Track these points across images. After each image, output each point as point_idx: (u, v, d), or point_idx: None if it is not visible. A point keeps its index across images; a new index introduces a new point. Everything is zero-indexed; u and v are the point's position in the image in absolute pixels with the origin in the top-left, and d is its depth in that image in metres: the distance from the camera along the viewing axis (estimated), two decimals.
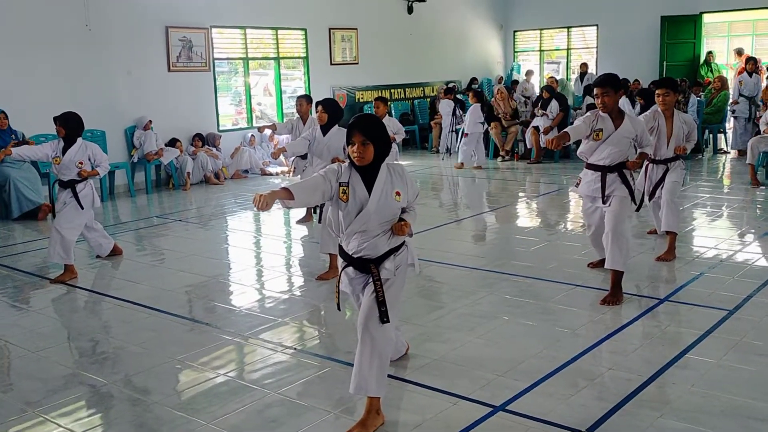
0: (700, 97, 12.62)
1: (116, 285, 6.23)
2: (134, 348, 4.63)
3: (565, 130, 5.27)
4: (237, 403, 3.78)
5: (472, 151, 12.22)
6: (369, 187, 3.35)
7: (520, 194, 10.32)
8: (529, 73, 17.13)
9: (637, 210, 6.34)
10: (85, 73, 10.31)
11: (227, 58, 12.64)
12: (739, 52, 15.52)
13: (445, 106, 13.42)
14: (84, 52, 10.30)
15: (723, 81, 13.26)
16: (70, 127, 6.22)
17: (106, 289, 6.08)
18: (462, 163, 12.25)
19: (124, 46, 10.75)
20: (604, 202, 5.28)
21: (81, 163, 6.23)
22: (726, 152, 12.79)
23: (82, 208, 6.29)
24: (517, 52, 18.60)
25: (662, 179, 6.31)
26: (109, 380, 4.13)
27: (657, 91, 6.21)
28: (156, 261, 7.09)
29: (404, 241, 3.52)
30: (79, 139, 6.30)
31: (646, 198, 6.47)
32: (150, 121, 10.74)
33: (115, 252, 6.93)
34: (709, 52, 15.32)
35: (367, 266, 3.42)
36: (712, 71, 14.78)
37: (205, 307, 5.50)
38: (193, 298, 5.72)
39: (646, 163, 6.39)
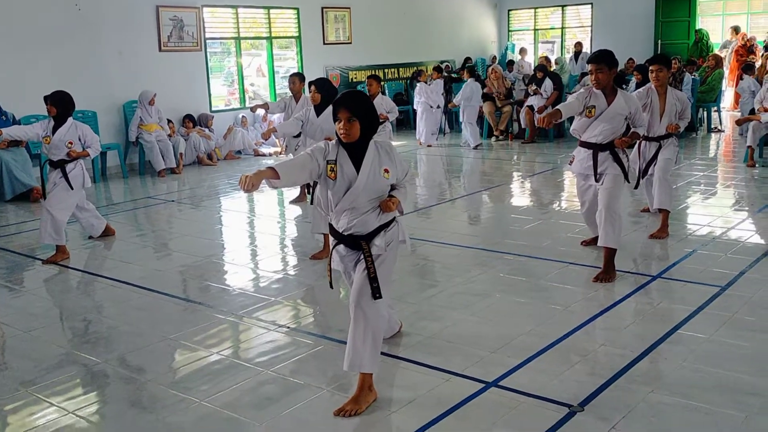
0: (694, 75, 12.58)
1: (109, 265, 6.21)
2: (127, 327, 4.63)
3: (557, 107, 5.25)
4: (230, 381, 3.78)
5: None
6: (357, 164, 3.33)
7: (514, 173, 10.30)
8: (523, 51, 17.05)
9: (635, 187, 6.36)
10: (76, 53, 10.21)
11: (219, 38, 12.54)
12: (736, 30, 15.47)
13: (437, 86, 13.31)
14: (74, 33, 10.19)
15: (717, 59, 13.22)
16: (60, 106, 6.16)
17: (99, 270, 6.06)
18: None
19: (115, 26, 10.64)
20: (596, 180, 5.28)
21: (71, 143, 6.18)
22: (720, 131, 12.78)
23: (72, 188, 6.25)
24: (511, 31, 18.50)
25: (655, 156, 6.30)
26: (103, 359, 4.13)
27: (650, 68, 6.19)
28: (149, 241, 7.07)
29: (395, 218, 3.51)
30: (70, 119, 6.25)
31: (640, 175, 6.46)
32: (154, 95, 10.60)
33: (108, 232, 6.91)
34: (698, 31, 15.20)
35: (358, 243, 3.41)
36: (701, 52, 14.69)
37: (198, 287, 5.49)
38: (186, 278, 5.71)
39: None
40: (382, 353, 3.58)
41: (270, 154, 12.16)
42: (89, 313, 5.04)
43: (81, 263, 6.21)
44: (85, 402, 3.66)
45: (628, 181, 5.32)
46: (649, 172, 6.37)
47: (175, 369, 4.03)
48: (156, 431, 3.31)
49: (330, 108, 5.99)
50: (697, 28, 15.36)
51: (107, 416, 3.51)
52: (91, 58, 10.41)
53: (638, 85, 8.16)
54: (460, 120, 12.56)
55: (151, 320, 4.75)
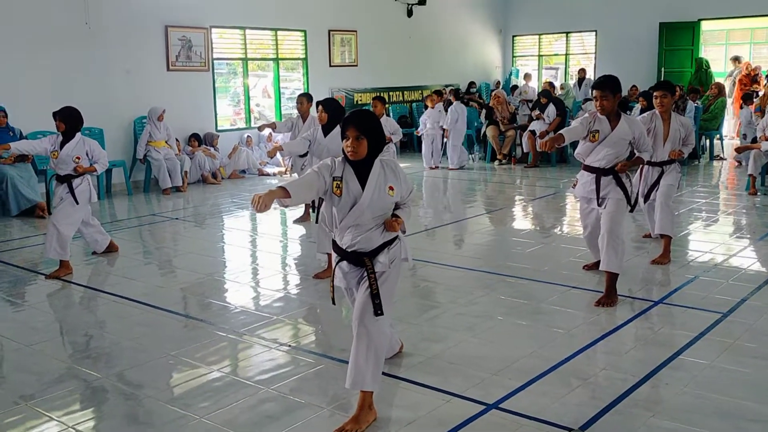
0: (697, 103, 12.65)
1: (111, 281, 6.23)
2: (128, 343, 4.63)
3: (561, 131, 5.29)
4: (231, 398, 3.78)
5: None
6: (362, 181, 3.37)
7: (517, 197, 10.34)
8: (527, 76, 17.17)
9: (631, 211, 6.37)
10: (84, 71, 10.32)
11: (226, 59, 12.66)
12: (737, 60, 15.58)
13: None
14: (83, 50, 10.30)
15: (720, 87, 13.31)
16: (69, 121, 6.22)
17: (102, 285, 6.08)
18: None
19: (124, 44, 10.76)
20: (599, 204, 5.30)
21: (78, 158, 6.23)
22: (722, 159, 12.82)
23: (78, 203, 6.28)
24: (515, 56, 18.64)
25: (657, 182, 6.33)
26: (103, 374, 4.13)
27: (654, 94, 6.27)
28: (152, 258, 7.09)
29: (398, 235, 3.53)
30: (78, 134, 6.31)
31: (641, 200, 6.49)
32: (163, 111, 10.67)
33: (111, 249, 6.93)
34: (698, 59, 15.29)
35: (361, 260, 3.43)
36: (701, 80, 14.77)
37: (199, 304, 5.50)
38: (188, 295, 5.72)
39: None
40: (383, 373, 3.58)
41: (274, 174, 12.22)
42: (91, 328, 5.05)
43: (84, 279, 6.22)
44: (85, 417, 3.66)
45: (630, 205, 5.31)
46: (651, 198, 6.40)
47: (175, 385, 4.03)
48: None
49: (337, 128, 6.10)
50: (698, 56, 15.45)
51: (107, 431, 3.51)
52: (99, 75, 10.50)
53: (642, 111, 8.21)
54: (446, 142, 12.74)
55: (152, 336, 4.75)
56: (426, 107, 13.08)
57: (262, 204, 3.11)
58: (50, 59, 9.94)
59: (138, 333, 4.82)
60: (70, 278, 6.17)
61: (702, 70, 14.98)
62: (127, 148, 10.92)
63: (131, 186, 10.76)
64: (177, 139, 11.19)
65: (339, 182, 3.37)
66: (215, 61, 12.18)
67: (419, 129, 13.03)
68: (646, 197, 6.42)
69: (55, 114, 6.30)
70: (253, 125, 12.89)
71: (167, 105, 10.98)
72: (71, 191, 6.27)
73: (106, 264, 6.72)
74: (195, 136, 11.58)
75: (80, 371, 4.19)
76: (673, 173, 6.34)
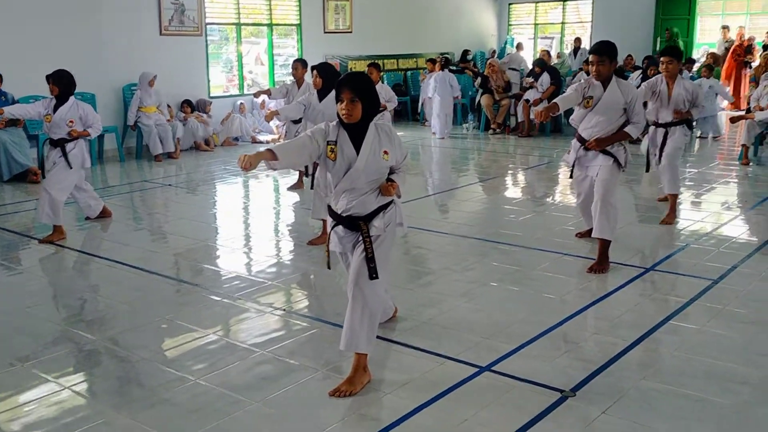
0: (691, 72, 12.61)
1: (105, 246, 6.23)
2: (122, 307, 4.65)
3: (555, 100, 5.25)
4: (225, 361, 3.81)
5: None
6: (357, 145, 3.36)
7: (510, 166, 10.34)
8: (519, 46, 17.03)
9: (647, 170, 6.83)
10: (76, 35, 10.18)
11: (220, 23, 12.51)
12: (726, 29, 15.55)
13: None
14: (74, 14, 10.15)
15: (715, 58, 13.26)
16: (62, 85, 6.16)
17: (95, 250, 6.07)
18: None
19: (116, 8, 10.60)
20: (571, 175, 5.40)
21: (71, 121, 6.19)
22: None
23: (71, 167, 6.25)
24: (511, 25, 18.50)
25: (664, 143, 6.51)
26: (97, 337, 4.15)
27: (661, 59, 6.48)
28: (144, 224, 7.08)
29: (393, 200, 3.53)
30: (72, 98, 6.26)
31: (653, 160, 6.73)
32: (154, 77, 10.58)
33: (105, 214, 6.91)
34: (668, 29, 15.15)
35: (357, 224, 3.43)
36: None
37: (193, 270, 5.51)
38: (181, 261, 5.72)
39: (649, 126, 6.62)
40: (377, 337, 3.61)
41: (268, 142, 12.16)
42: (85, 292, 5.06)
43: (77, 243, 6.22)
44: (80, 378, 3.69)
45: (624, 170, 5.32)
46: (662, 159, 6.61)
47: (169, 348, 4.05)
48: (151, 406, 3.33)
49: (332, 93, 6.05)
50: (668, 26, 15.31)
51: (102, 392, 3.53)
52: (91, 39, 10.37)
53: (645, 79, 8.29)
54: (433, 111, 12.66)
55: (146, 301, 4.77)
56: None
57: (247, 162, 3.12)
58: (42, 23, 9.79)
59: (131, 297, 4.83)
60: (63, 243, 6.16)
61: (672, 39, 14.88)
62: (119, 113, 10.83)
63: (123, 152, 10.69)
64: (169, 106, 11.09)
65: (333, 146, 3.36)
66: (208, 26, 12.04)
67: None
68: (659, 158, 6.58)
69: (48, 77, 6.23)
70: (246, 92, 12.79)
71: (160, 70, 10.85)
72: (64, 155, 6.23)
73: (100, 229, 6.71)
74: (187, 103, 11.48)
75: (75, 334, 4.21)
76: (678, 134, 6.51)
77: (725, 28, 15.58)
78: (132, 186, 8.86)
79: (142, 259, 5.65)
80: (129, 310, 4.58)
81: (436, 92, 12.47)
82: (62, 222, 6.28)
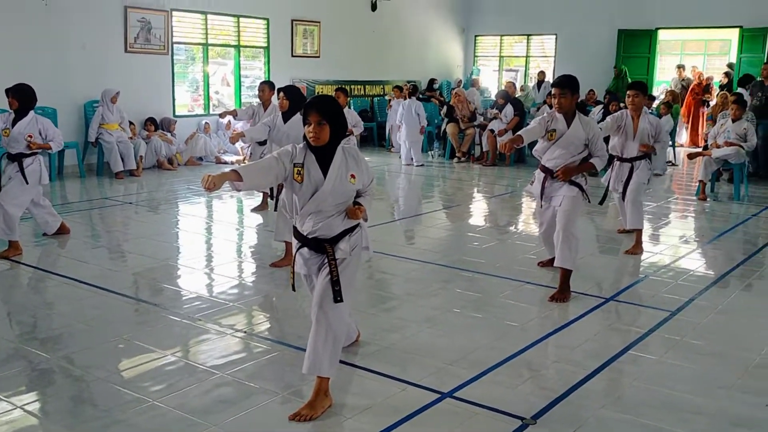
0: (651, 110, 12.93)
1: (62, 263, 6.09)
2: (78, 326, 4.54)
3: (519, 132, 5.34)
4: (184, 382, 3.73)
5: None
6: (324, 168, 3.35)
7: (475, 194, 10.43)
8: (475, 82, 17.16)
9: (600, 203, 6.76)
10: (40, 49, 10.04)
11: (186, 43, 12.46)
12: (681, 68, 16.03)
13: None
14: (39, 29, 10.02)
15: (674, 95, 13.64)
16: (22, 99, 6.07)
17: (52, 267, 5.94)
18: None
19: (81, 24, 10.50)
20: (541, 204, 5.46)
21: (30, 136, 6.08)
22: (674, 165, 13.14)
23: (27, 182, 6.12)
24: (477, 56, 18.79)
25: (630, 178, 6.61)
26: (52, 356, 4.04)
27: (627, 93, 6.59)
28: (104, 242, 6.95)
29: (359, 223, 3.53)
30: (31, 113, 6.15)
31: (614, 194, 6.83)
32: (117, 93, 10.44)
33: (62, 231, 6.77)
34: (617, 67, 15.49)
35: (322, 246, 3.42)
36: (618, 87, 15.07)
37: (153, 289, 5.42)
38: (140, 280, 5.62)
39: (614, 161, 6.76)
40: (340, 361, 3.58)
41: (232, 162, 12.07)
42: (40, 309, 4.93)
43: (33, 260, 6.07)
44: (33, 397, 3.58)
45: (588, 201, 5.41)
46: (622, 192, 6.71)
47: (126, 369, 3.96)
48: (105, 428, 3.25)
49: (298, 115, 6.07)
50: (617, 65, 15.66)
51: (56, 411, 3.44)
52: (55, 54, 10.24)
53: (606, 113, 8.46)
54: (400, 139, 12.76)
55: (103, 320, 4.66)
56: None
57: (211, 183, 3.08)
58: (5, 36, 9.65)
59: (88, 316, 4.72)
60: (19, 259, 6.00)
61: (621, 77, 15.26)
62: (81, 129, 10.67)
63: (84, 168, 10.52)
64: (132, 123, 10.97)
65: (300, 168, 3.35)
66: (175, 45, 11.98)
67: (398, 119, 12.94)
68: (623, 194, 6.67)
69: (7, 91, 6.13)
70: (212, 112, 12.73)
71: (124, 87, 10.75)
72: (21, 170, 6.11)
73: (57, 246, 6.56)
74: (151, 120, 11.37)
75: (28, 352, 4.09)
76: (643, 169, 6.63)
77: (680, 67, 16.07)
78: (92, 203, 8.70)
79: (100, 277, 5.53)
80: (85, 329, 4.48)
81: (403, 120, 12.57)
82: (18, 237, 6.13)
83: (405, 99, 13.01)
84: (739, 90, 12.48)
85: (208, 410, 3.43)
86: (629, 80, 14.95)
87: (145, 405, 3.47)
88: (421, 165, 12.39)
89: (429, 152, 13.85)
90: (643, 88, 6.68)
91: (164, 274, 5.80)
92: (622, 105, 11.14)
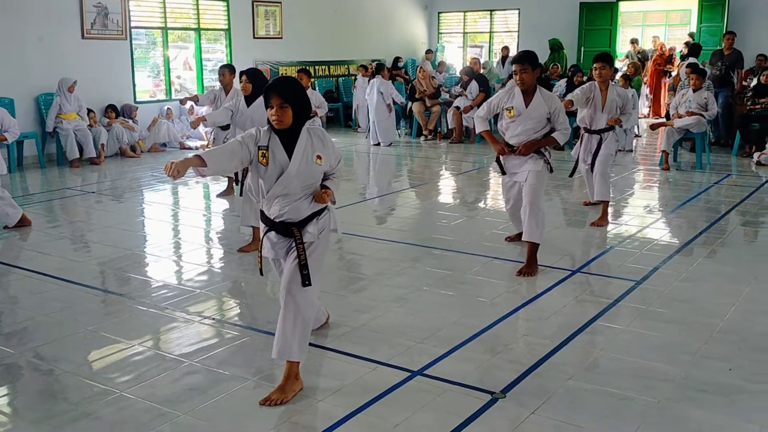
0: (614, 81, 13.01)
1: (24, 256, 5.98)
2: (43, 319, 4.46)
3: (479, 110, 5.48)
4: (152, 372, 3.70)
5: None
6: (289, 151, 3.32)
7: (442, 172, 10.45)
8: (429, 53, 17.17)
9: (570, 175, 7.01)
10: None
11: (145, 27, 12.23)
12: (634, 42, 16.17)
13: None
14: None
15: (636, 67, 13.73)
16: None
17: (14, 260, 5.82)
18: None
19: (36, 11, 10.23)
20: (503, 174, 5.47)
21: None
22: (638, 136, 13.27)
23: None
24: (441, 33, 18.72)
25: (599, 149, 6.68)
26: (17, 351, 3.98)
27: (594, 65, 6.65)
28: (67, 233, 6.83)
29: (327, 206, 3.51)
30: None
31: (582, 165, 6.89)
32: (74, 82, 10.22)
33: (24, 222, 6.64)
34: (552, 41, 15.52)
35: (290, 230, 3.39)
36: (560, 57, 15.15)
37: (118, 279, 5.34)
38: (106, 270, 5.54)
39: (582, 132, 6.84)
40: (310, 344, 3.57)
41: (196, 148, 11.93)
42: (3, 304, 4.83)
43: None
44: (0, 393, 3.52)
45: (551, 171, 5.40)
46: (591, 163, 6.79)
47: (93, 360, 3.91)
48: (74, 421, 3.21)
49: (260, 99, 5.98)
50: (552, 39, 15.59)
51: (23, 407, 3.39)
52: (10, 43, 9.97)
53: (570, 87, 8.48)
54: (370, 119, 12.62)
55: (68, 312, 4.59)
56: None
57: (174, 170, 3.03)
58: None
59: (53, 308, 4.65)
60: None
61: (557, 51, 15.31)
62: (40, 119, 10.44)
63: (44, 159, 10.31)
64: (92, 111, 10.76)
65: (265, 151, 3.31)
66: (133, 30, 11.75)
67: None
68: (592, 165, 6.74)
69: None
70: (173, 98, 12.53)
71: (82, 75, 10.53)
72: None
73: (18, 238, 6.44)
74: (112, 108, 11.16)
75: None
76: (610, 141, 6.72)
77: (634, 42, 16.20)
78: (53, 193, 8.54)
79: (65, 269, 5.44)
80: (51, 322, 4.41)
81: (368, 99, 12.49)
82: None
83: (370, 78, 12.93)
84: (691, 60, 12.64)
85: (178, 399, 3.40)
86: (566, 53, 15.09)
87: (114, 396, 3.43)
88: (389, 144, 12.35)
89: (396, 131, 13.82)
90: (609, 59, 6.73)
91: (130, 263, 5.72)
92: (585, 78, 11.23)
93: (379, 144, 12.34)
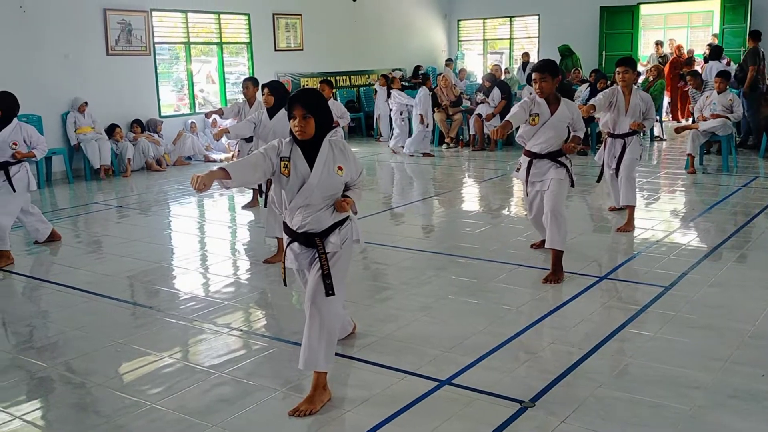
0: (637, 85, 12.92)
1: (55, 271, 6.07)
2: (74, 332, 4.53)
3: (507, 118, 5.36)
4: (182, 383, 3.74)
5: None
6: (311, 162, 3.35)
7: (465, 180, 10.44)
8: (449, 60, 17.16)
9: (597, 181, 7.06)
10: (20, 56, 9.97)
11: (168, 43, 12.40)
12: (658, 43, 16.03)
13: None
14: (19, 35, 9.95)
15: (659, 70, 13.63)
16: (5, 106, 6.01)
17: (44, 275, 5.92)
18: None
19: (61, 28, 10.43)
20: (528, 187, 5.44)
21: (15, 144, 6.04)
22: (662, 140, 13.16)
23: (15, 191, 6.09)
24: (461, 41, 18.74)
25: (622, 153, 6.64)
26: (49, 364, 4.04)
27: (617, 69, 6.60)
28: (96, 247, 6.93)
29: (349, 216, 3.53)
30: (15, 120, 6.11)
31: (608, 171, 6.84)
32: (85, 103, 10.43)
33: (53, 238, 6.75)
34: (562, 47, 15.35)
35: (312, 241, 3.42)
36: (573, 63, 14.99)
37: (147, 292, 5.41)
38: (134, 283, 5.61)
39: (605, 137, 6.81)
40: (336, 354, 3.59)
41: (221, 160, 12.05)
42: (35, 318, 4.92)
43: (26, 269, 6.05)
44: (32, 407, 3.58)
45: (573, 185, 5.43)
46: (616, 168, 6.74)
47: (124, 373, 3.96)
48: None
49: (283, 111, 6.05)
50: (562, 46, 15.38)
51: (55, 420, 3.44)
52: (37, 61, 10.17)
53: (594, 92, 8.44)
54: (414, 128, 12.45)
55: (99, 325, 4.66)
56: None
57: (200, 183, 3.08)
58: None
59: (84, 322, 4.71)
60: (11, 268, 5.99)
61: (567, 57, 15.15)
62: (67, 135, 10.60)
63: (72, 174, 10.48)
64: (118, 126, 10.93)
65: (287, 162, 3.35)
66: (157, 46, 11.92)
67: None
68: (617, 169, 6.70)
69: None
70: (198, 111, 12.69)
71: (107, 91, 10.73)
72: (8, 179, 6.08)
73: (49, 253, 6.54)
74: (137, 122, 11.33)
75: (25, 362, 4.09)
76: (635, 145, 6.68)
77: (658, 43, 16.06)
78: (81, 208, 8.67)
79: (94, 283, 5.52)
80: (81, 336, 4.47)
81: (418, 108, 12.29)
82: (9, 247, 6.11)
83: (388, 90, 12.95)
84: (710, 63, 12.48)
85: (208, 410, 3.44)
86: (577, 57, 14.97)
87: (145, 408, 3.47)
88: (412, 155, 12.29)
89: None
90: (632, 63, 6.69)
91: (158, 276, 5.79)
92: (609, 83, 11.16)
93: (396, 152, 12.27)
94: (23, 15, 9.99)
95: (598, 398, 3.44)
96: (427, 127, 12.23)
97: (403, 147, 12.42)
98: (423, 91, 12.21)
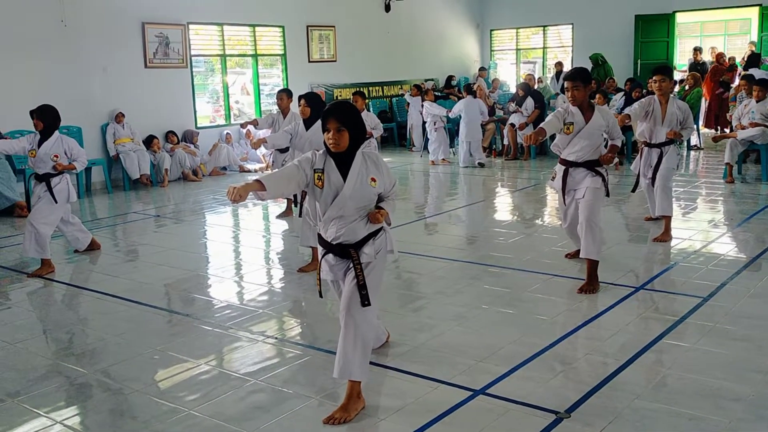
0: (673, 93, 12.76)
1: (94, 279, 6.19)
2: (113, 339, 4.61)
3: (541, 125, 5.34)
4: (219, 390, 3.78)
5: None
6: (344, 173, 3.38)
7: (498, 189, 10.40)
8: (482, 70, 17.12)
9: (633, 191, 7.00)
10: (61, 69, 10.23)
11: (204, 55, 12.60)
12: (697, 50, 15.81)
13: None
14: (59, 49, 10.22)
15: (696, 79, 13.45)
16: (47, 120, 6.17)
17: (84, 283, 6.04)
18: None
19: (100, 42, 10.68)
20: (564, 198, 5.39)
21: (56, 156, 6.18)
22: (699, 148, 12.97)
23: (56, 202, 6.23)
24: (493, 51, 18.72)
25: (659, 163, 6.56)
26: (88, 371, 4.12)
27: (654, 78, 6.54)
28: (134, 255, 7.05)
29: (382, 227, 3.55)
30: (56, 133, 6.26)
31: (644, 181, 6.78)
32: (121, 114, 10.66)
33: (93, 246, 6.89)
34: (593, 56, 15.16)
35: (347, 252, 3.44)
36: (606, 72, 14.79)
37: (184, 300, 5.49)
38: (171, 291, 5.70)
39: (641, 146, 6.75)
40: (370, 363, 3.60)
41: (256, 170, 12.19)
42: (74, 325, 5.02)
43: (66, 276, 6.19)
44: (72, 412, 3.65)
45: (608, 195, 5.39)
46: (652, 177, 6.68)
47: (161, 380, 4.02)
48: None
49: (319, 122, 6.10)
50: (593, 54, 15.16)
51: (95, 425, 3.50)
52: (77, 73, 10.42)
53: (628, 101, 8.35)
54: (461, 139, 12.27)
55: (137, 332, 4.74)
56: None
57: (236, 195, 3.13)
58: (26, 58, 9.84)
59: (122, 329, 4.80)
60: (52, 276, 6.12)
61: (600, 66, 14.95)
62: (106, 146, 10.84)
63: (111, 184, 10.69)
64: (156, 137, 11.14)
65: (321, 174, 3.39)
66: (193, 58, 12.12)
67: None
68: (653, 179, 6.63)
69: (32, 113, 6.25)
70: (233, 122, 12.86)
71: (145, 102, 10.94)
72: (49, 190, 6.23)
73: (89, 262, 6.68)
74: (172, 133, 11.53)
75: (65, 368, 4.17)
76: (672, 155, 6.61)
77: (697, 50, 15.84)
78: (121, 218, 8.83)
79: (132, 291, 5.62)
80: (120, 342, 4.55)
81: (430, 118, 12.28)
82: (50, 255, 6.25)
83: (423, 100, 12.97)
84: (750, 71, 12.27)
85: (244, 417, 3.47)
86: (610, 67, 14.79)
87: (182, 414, 3.52)
88: (466, 167, 12.23)
89: (451, 149, 13.84)
90: (669, 72, 6.63)
91: (194, 284, 5.87)
92: (644, 92, 11.05)
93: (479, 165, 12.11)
94: (64, 29, 10.25)
95: (635, 410, 3.40)
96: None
97: (444, 159, 12.39)
98: (468, 100, 12.08)
